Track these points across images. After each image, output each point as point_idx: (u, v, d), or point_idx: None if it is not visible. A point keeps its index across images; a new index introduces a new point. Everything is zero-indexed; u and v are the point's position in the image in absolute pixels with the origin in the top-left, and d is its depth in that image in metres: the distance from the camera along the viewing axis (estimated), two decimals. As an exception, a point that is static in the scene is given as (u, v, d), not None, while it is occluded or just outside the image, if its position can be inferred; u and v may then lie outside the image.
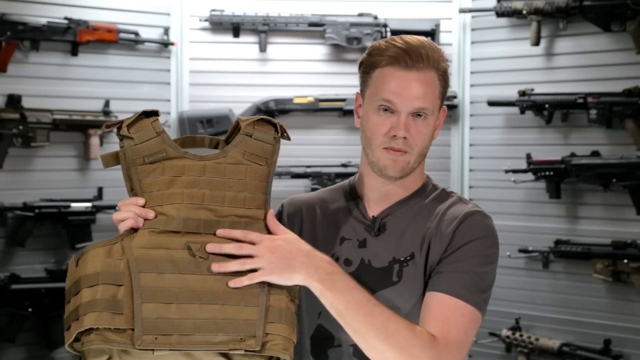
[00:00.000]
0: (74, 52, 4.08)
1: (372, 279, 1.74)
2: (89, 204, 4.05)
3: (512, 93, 4.13)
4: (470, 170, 4.40)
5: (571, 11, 3.95)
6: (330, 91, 4.35)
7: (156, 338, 1.48)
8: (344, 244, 1.80)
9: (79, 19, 4.04)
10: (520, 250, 4.15)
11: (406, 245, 1.75)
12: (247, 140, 1.62)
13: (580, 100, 3.93)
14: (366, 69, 1.77)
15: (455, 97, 4.33)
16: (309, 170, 4.30)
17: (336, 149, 4.35)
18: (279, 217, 1.86)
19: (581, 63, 4.03)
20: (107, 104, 4.13)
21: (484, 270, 1.70)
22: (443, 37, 4.32)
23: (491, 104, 4.22)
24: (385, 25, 4.32)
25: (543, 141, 4.13)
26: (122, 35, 4.18)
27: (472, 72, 4.38)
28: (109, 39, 4.13)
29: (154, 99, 4.29)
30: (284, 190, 4.04)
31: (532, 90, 4.08)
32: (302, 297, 1.72)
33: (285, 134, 1.66)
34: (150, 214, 1.57)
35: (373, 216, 1.80)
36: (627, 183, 3.81)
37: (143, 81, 4.31)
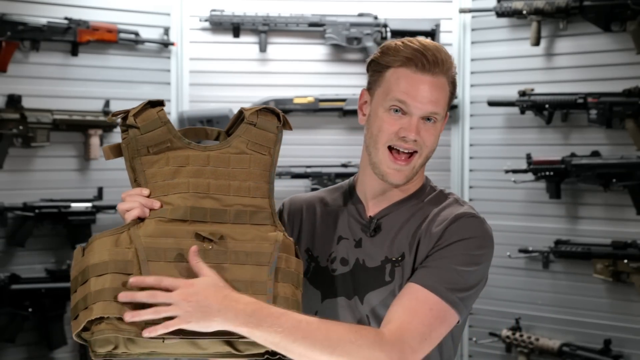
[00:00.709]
0: (74, 52, 4.07)
1: (365, 279, 1.74)
2: (89, 204, 4.04)
3: (512, 93, 4.13)
4: (471, 171, 4.40)
5: (571, 11, 3.95)
6: (331, 91, 4.35)
7: None
8: (341, 243, 1.80)
9: (79, 19, 4.03)
10: (520, 250, 4.15)
11: (399, 245, 1.74)
12: (251, 130, 1.63)
13: (581, 101, 3.93)
14: (378, 67, 1.75)
15: (455, 97, 4.32)
16: (309, 170, 4.29)
17: (336, 149, 4.35)
18: (280, 216, 1.85)
19: (581, 63, 4.03)
20: (107, 104, 4.13)
21: (467, 270, 1.67)
22: (443, 37, 4.32)
23: (491, 104, 4.22)
24: (385, 26, 4.32)
25: (543, 141, 4.13)
26: (122, 35, 4.18)
27: (472, 72, 4.38)
28: (109, 39, 4.13)
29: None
30: (284, 190, 4.03)
31: (532, 90, 4.08)
32: None
33: (287, 124, 1.67)
34: (156, 203, 1.57)
35: (370, 216, 1.79)
36: (627, 183, 3.81)
37: (143, 81, 4.31)
